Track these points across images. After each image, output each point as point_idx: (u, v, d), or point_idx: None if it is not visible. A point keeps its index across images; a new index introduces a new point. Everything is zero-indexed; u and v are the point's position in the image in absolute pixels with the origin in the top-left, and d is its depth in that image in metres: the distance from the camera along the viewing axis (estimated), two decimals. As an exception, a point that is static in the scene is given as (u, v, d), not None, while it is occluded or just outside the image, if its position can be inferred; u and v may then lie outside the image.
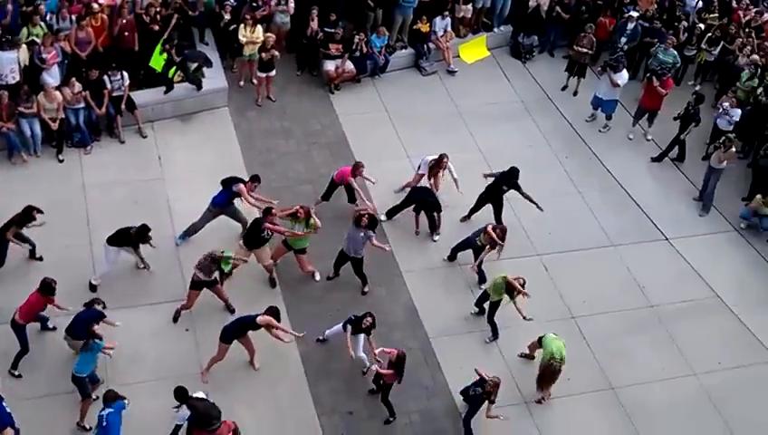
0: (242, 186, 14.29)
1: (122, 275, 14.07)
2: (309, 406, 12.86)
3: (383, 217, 15.56)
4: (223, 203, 14.46)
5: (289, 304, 14.18)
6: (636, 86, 19.02)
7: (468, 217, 15.89)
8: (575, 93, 19.50)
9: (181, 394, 11.49)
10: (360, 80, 19.04)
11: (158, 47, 16.85)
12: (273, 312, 12.61)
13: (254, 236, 13.96)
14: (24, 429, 11.55)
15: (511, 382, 13.57)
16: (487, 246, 14.37)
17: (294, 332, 12.90)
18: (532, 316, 13.62)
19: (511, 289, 13.45)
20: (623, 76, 18.15)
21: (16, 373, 12.66)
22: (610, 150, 18.14)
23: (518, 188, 15.42)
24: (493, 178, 15.64)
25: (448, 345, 14.01)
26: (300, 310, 14.16)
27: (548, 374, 13.15)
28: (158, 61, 16.87)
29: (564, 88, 19.63)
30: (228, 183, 14.37)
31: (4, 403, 11.24)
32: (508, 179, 15.42)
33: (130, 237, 13.60)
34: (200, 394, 11.76)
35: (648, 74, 18.44)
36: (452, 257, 15.22)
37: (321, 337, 13.69)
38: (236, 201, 14.53)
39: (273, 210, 13.98)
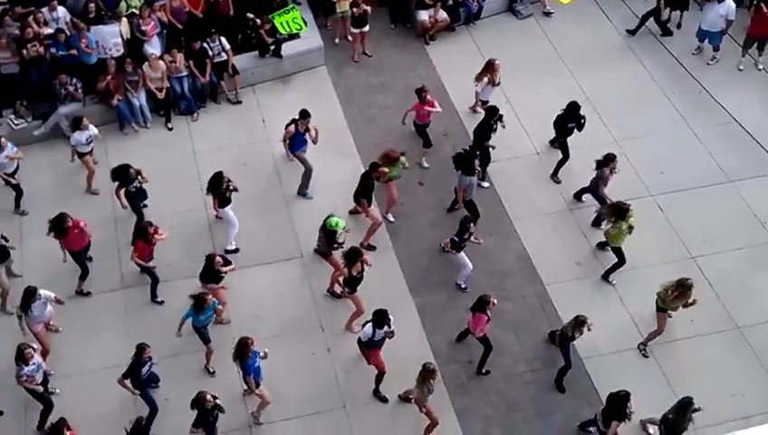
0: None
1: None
2: (428, 356, 12.91)
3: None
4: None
5: (402, 260, 14.32)
6: (742, 14, 18.12)
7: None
8: (679, 26, 18.75)
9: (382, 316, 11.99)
10: (454, 28, 18.75)
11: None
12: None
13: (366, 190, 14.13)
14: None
15: (632, 328, 13.41)
16: None
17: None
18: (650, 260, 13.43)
19: None
20: (728, 6, 17.35)
21: (159, 300, 13.63)
22: (720, 83, 17.44)
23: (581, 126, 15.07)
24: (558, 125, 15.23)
25: (564, 292, 13.86)
26: (414, 264, 14.28)
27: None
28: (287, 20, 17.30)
29: (667, 21, 18.88)
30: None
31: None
32: (573, 115, 15.02)
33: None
34: None
35: (755, 1, 17.57)
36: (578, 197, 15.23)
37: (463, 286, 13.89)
38: None
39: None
